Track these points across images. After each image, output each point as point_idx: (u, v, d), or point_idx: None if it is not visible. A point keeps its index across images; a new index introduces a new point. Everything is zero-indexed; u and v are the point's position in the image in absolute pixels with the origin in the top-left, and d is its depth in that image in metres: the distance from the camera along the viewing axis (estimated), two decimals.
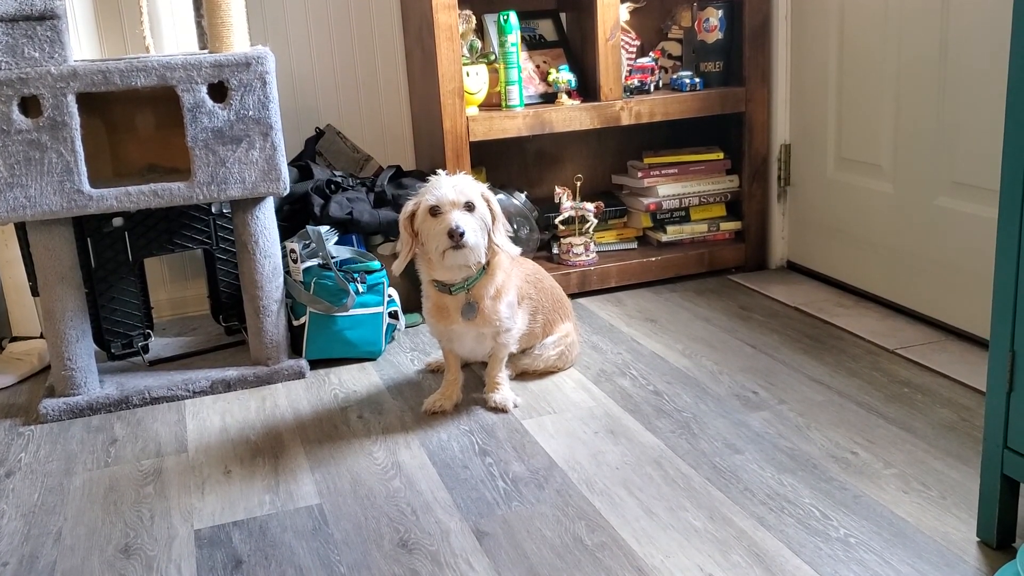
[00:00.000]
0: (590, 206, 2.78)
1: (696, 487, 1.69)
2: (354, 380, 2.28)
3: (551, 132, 2.67)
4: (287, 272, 2.35)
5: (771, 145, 2.87)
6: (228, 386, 2.25)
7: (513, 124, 2.62)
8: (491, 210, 1.94)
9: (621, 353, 2.33)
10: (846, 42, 2.54)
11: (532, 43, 2.88)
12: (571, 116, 2.67)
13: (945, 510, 1.57)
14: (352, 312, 2.31)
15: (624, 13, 2.82)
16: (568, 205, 2.77)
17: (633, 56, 2.89)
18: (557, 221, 2.80)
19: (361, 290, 2.31)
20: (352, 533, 1.62)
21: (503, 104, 2.69)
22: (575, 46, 2.89)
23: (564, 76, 2.70)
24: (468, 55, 2.70)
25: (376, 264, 2.36)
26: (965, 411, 1.91)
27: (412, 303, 2.54)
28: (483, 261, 1.95)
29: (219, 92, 2.10)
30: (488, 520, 1.62)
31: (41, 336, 2.54)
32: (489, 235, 1.93)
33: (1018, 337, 1.35)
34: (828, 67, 2.62)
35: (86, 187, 2.05)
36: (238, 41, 2.13)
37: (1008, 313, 1.36)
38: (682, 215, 2.94)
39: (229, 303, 2.53)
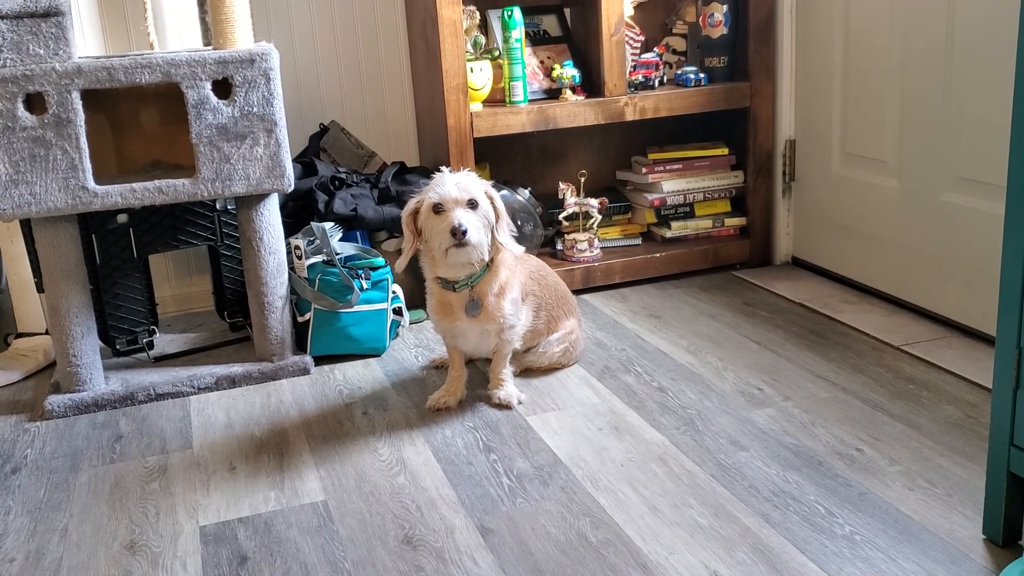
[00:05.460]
0: (594, 202, 2.77)
1: (701, 484, 1.69)
2: (358, 376, 2.28)
3: (555, 128, 2.67)
4: (291, 268, 2.35)
5: (776, 140, 2.87)
6: (233, 382, 2.25)
7: (517, 120, 2.62)
8: (494, 207, 1.94)
9: (625, 349, 2.33)
10: (851, 37, 2.53)
11: (536, 39, 2.87)
12: (575, 112, 2.66)
13: (951, 507, 1.56)
14: (356, 308, 2.31)
15: (628, 8, 2.81)
16: (572, 201, 2.77)
17: (637, 51, 2.88)
18: (561, 217, 2.80)
19: (365, 286, 2.31)
20: (357, 529, 1.62)
21: (507, 100, 2.68)
22: (579, 41, 2.89)
23: (568, 72, 2.69)
24: (472, 51, 2.70)
25: (380, 260, 2.36)
26: (971, 408, 1.91)
27: (416, 299, 2.54)
28: (486, 259, 1.94)
29: (223, 89, 2.10)
30: (492, 517, 1.63)
31: (46, 332, 2.54)
32: (492, 232, 1.93)
33: None
34: (833, 62, 2.61)
35: (91, 184, 2.05)
36: (242, 38, 2.13)
37: (1014, 309, 1.36)
38: (686, 211, 2.93)
39: (234, 299, 2.53)
